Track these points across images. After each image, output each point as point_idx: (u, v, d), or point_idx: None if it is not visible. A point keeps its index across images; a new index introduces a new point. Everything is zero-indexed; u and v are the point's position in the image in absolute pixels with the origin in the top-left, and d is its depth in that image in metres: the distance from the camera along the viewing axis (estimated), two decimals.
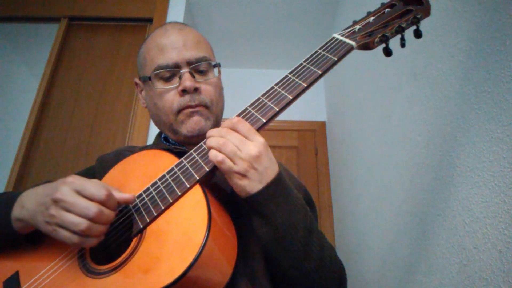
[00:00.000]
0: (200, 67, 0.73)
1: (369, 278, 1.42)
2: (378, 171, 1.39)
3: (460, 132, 0.83)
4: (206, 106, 0.72)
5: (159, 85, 0.71)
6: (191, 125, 0.70)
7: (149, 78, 0.72)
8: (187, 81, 0.69)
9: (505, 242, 0.66)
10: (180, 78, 0.70)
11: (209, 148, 0.56)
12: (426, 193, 0.98)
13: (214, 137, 0.56)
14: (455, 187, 0.83)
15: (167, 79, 0.72)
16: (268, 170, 0.55)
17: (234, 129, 0.56)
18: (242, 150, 0.54)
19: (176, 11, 2.03)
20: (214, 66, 0.76)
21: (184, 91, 0.70)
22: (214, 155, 0.54)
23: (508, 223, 0.65)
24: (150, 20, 2.00)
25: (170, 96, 0.71)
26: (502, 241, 0.66)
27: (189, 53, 0.71)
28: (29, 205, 0.56)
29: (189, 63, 0.71)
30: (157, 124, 0.78)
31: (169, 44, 0.72)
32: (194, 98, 0.70)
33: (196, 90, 0.71)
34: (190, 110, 0.70)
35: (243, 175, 0.54)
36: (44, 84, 1.85)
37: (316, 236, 0.58)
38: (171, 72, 0.71)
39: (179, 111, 0.71)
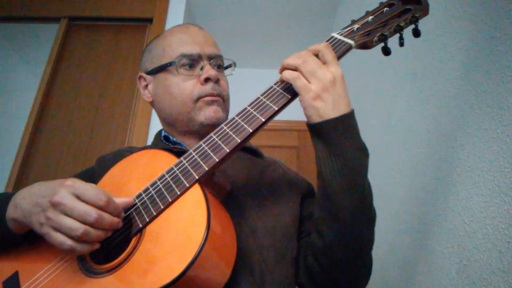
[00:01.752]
0: (218, 62, 0.77)
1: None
2: (378, 171, 1.38)
3: (460, 132, 0.83)
4: (223, 99, 0.75)
5: (182, 71, 0.74)
6: (210, 112, 0.72)
7: (174, 63, 0.73)
8: (212, 70, 0.73)
9: (505, 242, 0.65)
10: (201, 68, 0.73)
11: (286, 66, 0.58)
12: (426, 193, 0.98)
13: (293, 57, 0.57)
14: (455, 187, 0.83)
15: (188, 68, 0.74)
16: (342, 101, 0.55)
17: (317, 52, 0.57)
18: (319, 72, 0.55)
19: (176, 11, 2.03)
20: (227, 67, 0.80)
21: (207, 80, 0.72)
22: (289, 73, 0.56)
23: (508, 223, 0.65)
24: (150, 20, 2.00)
25: (190, 84, 0.73)
26: (502, 241, 0.66)
27: (210, 49, 0.76)
28: (23, 204, 0.56)
29: (210, 57, 0.75)
30: (168, 116, 0.77)
31: (192, 38, 0.76)
32: (215, 88, 0.73)
33: (217, 81, 0.74)
34: (211, 98, 0.72)
35: (318, 96, 0.54)
36: (44, 83, 1.85)
37: (371, 190, 0.59)
38: (193, 61, 0.74)
39: (199, 98, 0.72)
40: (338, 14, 2.25)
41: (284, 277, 0.62)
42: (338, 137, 0.54)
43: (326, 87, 0.54)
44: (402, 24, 0.63)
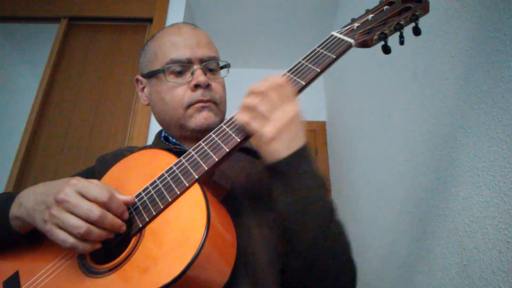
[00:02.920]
0: (210, 65, 0.75)
1: (369, 278, 1.41)
2: (378, 171, 1.38)
3: (460, 132, 0.83)
4: (215, 103, 0.73)
5: (171, 79, 0.72)
6: (200, 119, 0.71)
7: (162, 71, 0.72)
8: (201, 76, 0.71)
9: (505, 242, 0.65)
10: (192, 74, 0.72)
11: (245, 106, 0.55)
12: (426, 193, 0.98)
13: (252, 93, 0.55)
14: (455, 187, 0.83)
15: (178, 74, 0.72)
16: (297, 138, 0.54)
17: (277, 88, 0.55)
18: (276, 112, 0.53)
19: (176, 11, 2.03)
20: (223, 67, 0.78)
21: (197, 86, 0.71)
22: (241, 116, 0.55)
23: (508, 223, 0.65)
24: (150, 20, 2.01)
25: (181, 91, 0.72)
26: (502, 241, 0.66)
27: (202, 51, 0.73)
28: (27, 203, 0.56)
29: (201, 61, 0.73)
30: (162, 120, 0.77)
31: (183, 41, 0.73)
32: (205, 94, 0.71)
33: (208, 86, 0.72)
34: (201, 104, 0.71)
35: (272, 138, 0.53)
36: (44, 84, 1.85)
37: (335, 216, 0.57)
38: (183, 67, 0.72)
39: (189, 105, 0.71)
40: (339, 13, 2.25)
41: (279, 279, 0.62)
42: (290, 174, 0.53)
43: (282, 128, 0.53)
44: (402, 23, 0.63)
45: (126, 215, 0.55)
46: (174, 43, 0.73)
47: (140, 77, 0.80)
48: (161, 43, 0.76)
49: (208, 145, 0.58)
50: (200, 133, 0.70)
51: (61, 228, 0.50)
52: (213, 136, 0.59)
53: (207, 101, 0.71)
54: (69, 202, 0.50)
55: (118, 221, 0.52)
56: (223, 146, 0.57)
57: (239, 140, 0.56)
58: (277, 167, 0.54)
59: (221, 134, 0.59)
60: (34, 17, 2.06)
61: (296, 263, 0.57)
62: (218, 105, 0.74)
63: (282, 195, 0.55)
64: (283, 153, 0.53)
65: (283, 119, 0.53)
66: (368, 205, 1.49)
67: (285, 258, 0.58)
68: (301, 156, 0.54)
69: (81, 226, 0.49)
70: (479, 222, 0.74)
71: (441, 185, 0.90)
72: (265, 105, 0.53)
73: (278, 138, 0.53)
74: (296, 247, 0.56)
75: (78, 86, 1.90)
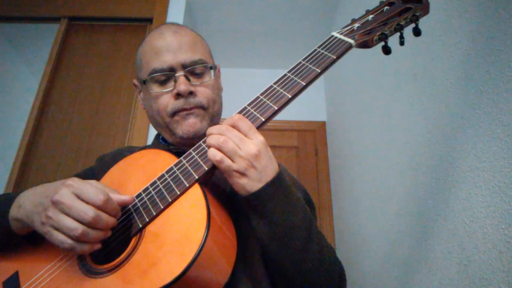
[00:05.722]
0: (195, 69, 0.72)
1: (369, 278, 1.41)
2: (378, 171, 1.38)
3: (460, 132, 0.83)
4: (202, 108, 0.72)
5: (155, 89, 0.72)
6: (186, 127, 0.70)
7: (144, 82, 0.72)
8: (182, 85, 0.69)
9: (505, 242, 0.65)
10: (175, 81, 0.70)
11: (209, 147, 0.55)
12: (426, 193, 0.98)
13: (214, 135, 0.56)
14: (455, 187, 0.83)
15: (162, 83, 0.72)
16: (268, 169, 0.55)
17: (234, 127, 0.55)
18: (241, 148, 0.53)
19: (176, 11, 2.03)
20: (211, 68, 0.75)
21: (178, 95, 0.70)
22: (212, 154, 0.54)
23: (508, 223, 0.65)
24: (150, 20, 2.00)
25: (165, 99, 0.71)
26: (502, 241, 0.66)
27: (184, 56, 0.71)
28: (26, 204, 0.56)
29: (184, 66, 0.71)
30: (155, 125, 0.78)
31: (164, 47, 0.71)
32: (189, 102, 0.70)
33: (191, 93, 0.70)
34: (185, 112, 0.70)
35: (243, 174, 0.54)
36: (44, 84, 1.85)
37: (316, 236, 0.58)
38: (166, 75, 0.71)
39: (174, 113, 0.71)
40: (339, 14, 2.25)
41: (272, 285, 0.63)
42: (264, 205, 0.54)
43: (250, 163, 0.53)
44: (402, 23, 0.63)
45: (118, 215, 0.55)
46: (156, 50, 0.72)
47: (135, 82, 0.81)
48: (145, 50, 0.75)
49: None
50: (189, 140, 0.70)
51: (57, 229, 0.51)
52: None
53: (191, 108, 0.70)
54: (63, 204, 0.50)
55: (112, 220, 0.53)
56: None
57: None
58: (251, 200, 0.55)
59: None
60: (34, 17, 2.06)
61: (281, 281, 0.60)
62: (205, 109, 0.72)
63: (259, 225, 0.56)
64: (255, 187, 0.54)
65: (250, 153, 0.53)
66: (368, 205, 1.49)
67: (272, 275, 0.61)
68: (273, 186, 0.55)
69: (77, 228, 0.49)
70: (479, 222, 0.74)
71: (441, 185, 0.90)
72: (230, 144, 0.53)
73: (248, 173, 0.54)
74: (278, 267, 0.58)
75: (78, 86, 1.90)
